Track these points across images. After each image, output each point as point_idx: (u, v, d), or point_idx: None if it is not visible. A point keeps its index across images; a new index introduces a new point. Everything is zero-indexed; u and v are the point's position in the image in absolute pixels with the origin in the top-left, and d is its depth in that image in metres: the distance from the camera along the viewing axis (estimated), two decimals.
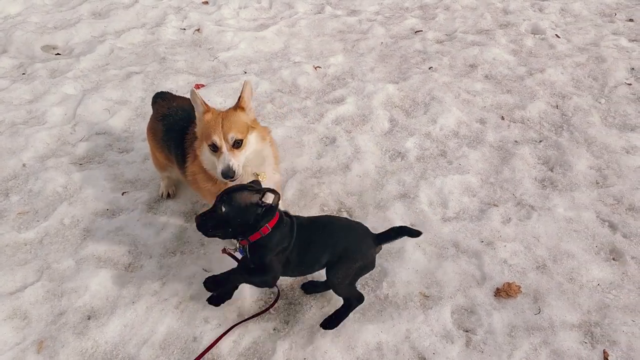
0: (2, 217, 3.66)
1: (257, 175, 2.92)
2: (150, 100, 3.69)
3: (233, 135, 2.68)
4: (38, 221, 3.62)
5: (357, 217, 3.66)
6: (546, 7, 6.73)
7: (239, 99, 2.86)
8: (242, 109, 2.83)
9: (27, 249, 3.42)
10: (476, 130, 4.56)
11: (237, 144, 2.70)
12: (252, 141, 2.82)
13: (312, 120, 4.72)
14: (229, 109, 2.89)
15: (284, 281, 3.17)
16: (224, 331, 2.83)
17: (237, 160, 2.69)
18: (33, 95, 4.96)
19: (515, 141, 4.40)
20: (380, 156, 4.28)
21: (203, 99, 2.84)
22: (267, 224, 2.48)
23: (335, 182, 3.97)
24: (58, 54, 5.66)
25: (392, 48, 5.89)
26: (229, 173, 2.64)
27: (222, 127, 2.69)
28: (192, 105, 2.89)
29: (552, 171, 4.08)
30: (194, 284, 3.15)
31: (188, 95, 2.99)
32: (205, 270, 3.24)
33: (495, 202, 3.78)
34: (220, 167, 2.68)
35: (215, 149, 2.74)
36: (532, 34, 6.10)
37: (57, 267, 3.25)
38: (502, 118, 4.71)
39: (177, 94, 3.69)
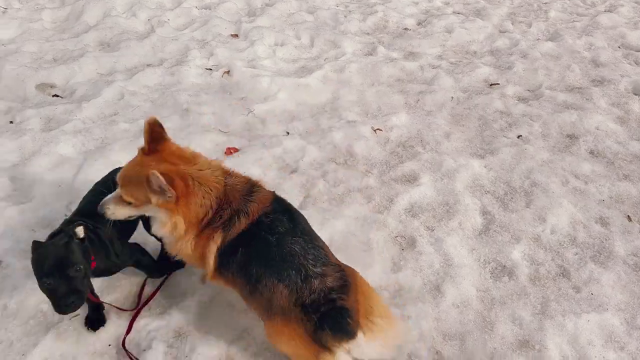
0: None
1: None
2: None
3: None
4: None
5: None
6: None
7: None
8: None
9: None
10: (598, 235, 3.44)
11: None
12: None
13: (378, 208, 3.61)
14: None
15: None
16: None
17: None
18: (21, 155, 3.79)
19: None
20: (479, 271, 3.16)
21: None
22: None
23: (424, 315, 2.85)
24: (56, 95, 4.55)
25: (466, 105, 4.78)
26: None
27: None
28: None
29: None
30: None
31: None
32: None
33: None
34: None
35: None
36: (635, 94, 4.99)
37: None
38: (629, 219, 3.59)
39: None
